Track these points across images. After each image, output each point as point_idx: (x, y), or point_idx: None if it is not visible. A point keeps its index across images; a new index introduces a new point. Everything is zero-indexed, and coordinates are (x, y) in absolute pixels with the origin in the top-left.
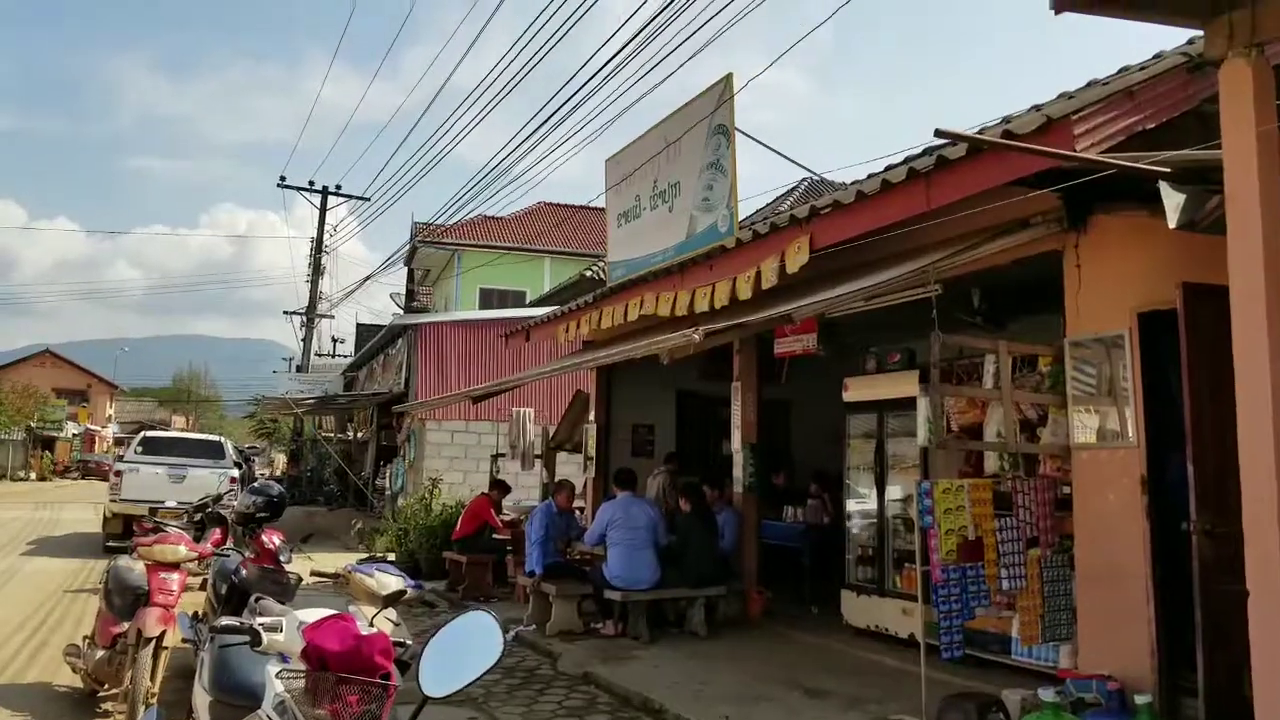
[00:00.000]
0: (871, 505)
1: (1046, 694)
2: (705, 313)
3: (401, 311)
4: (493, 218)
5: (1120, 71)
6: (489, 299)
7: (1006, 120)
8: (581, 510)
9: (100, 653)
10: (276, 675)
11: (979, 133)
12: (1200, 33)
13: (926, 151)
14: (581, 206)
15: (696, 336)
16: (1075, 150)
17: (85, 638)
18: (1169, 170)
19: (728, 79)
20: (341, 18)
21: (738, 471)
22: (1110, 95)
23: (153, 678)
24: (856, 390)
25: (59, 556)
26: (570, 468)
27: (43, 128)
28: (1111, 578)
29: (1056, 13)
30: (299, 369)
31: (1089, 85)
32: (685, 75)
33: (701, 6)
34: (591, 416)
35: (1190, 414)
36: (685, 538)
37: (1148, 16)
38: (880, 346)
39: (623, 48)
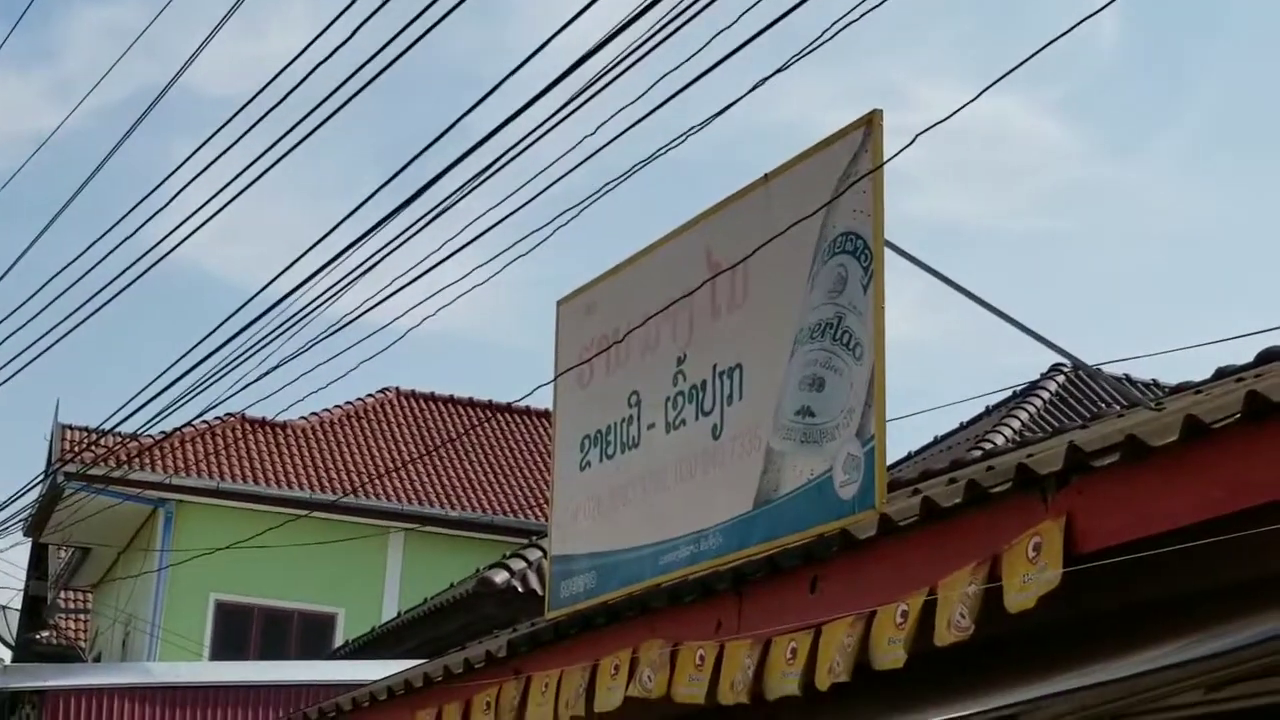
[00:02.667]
0: None
1: None
2: (794, 701)
3: (8, 657)
4: (265, 423)
5: None
6: (240, 629)
7: None
8: None
9: None
10: None
11: None
12: None
13: None
14: (490, 405)
15: None
16: None
17: None
18: None
19: (870, 124)
20: None
21: None
22: None
23: None
24: None
25: None
26: None
27: None
28: None
29: None
30: None
31: None
32: (746, 117)
33: None
34: None
35: None
36: None
37: None
38: None
39: (597, 49)
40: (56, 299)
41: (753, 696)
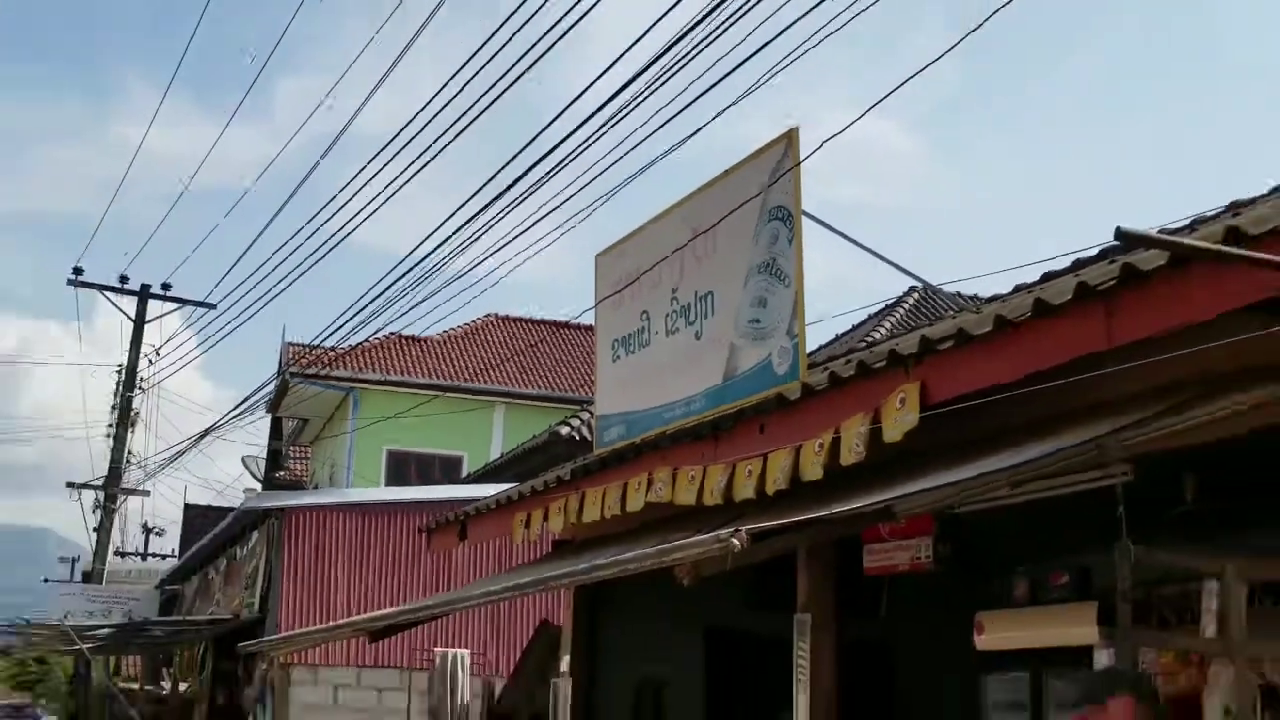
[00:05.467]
0: None
1: None
2: (751, 501)
3: (259, 487)
4: (414, 338)
5: None
6: (403, 468)
7: (1234, 211)
8: None
9: None
10: None
11: (1187, 232)
12: None
13: (1105, 256)
14: (555, 323)
15: (737, 542)
16: None
17: None
18: None
19: (790, 137)
20: (180, 34)
21: None
22: None
23: None
24: (998, 632)
25: None
26: None
27: None
28: None
29: None
30: (87, 576)
31: None
32: (720, 132)
33: (746, 28)
34: (564, 665)
35: None
36: None
37: None
38: (1036, 562)
39: (622, 89)
40: (281, 263)
41: (725, 500)
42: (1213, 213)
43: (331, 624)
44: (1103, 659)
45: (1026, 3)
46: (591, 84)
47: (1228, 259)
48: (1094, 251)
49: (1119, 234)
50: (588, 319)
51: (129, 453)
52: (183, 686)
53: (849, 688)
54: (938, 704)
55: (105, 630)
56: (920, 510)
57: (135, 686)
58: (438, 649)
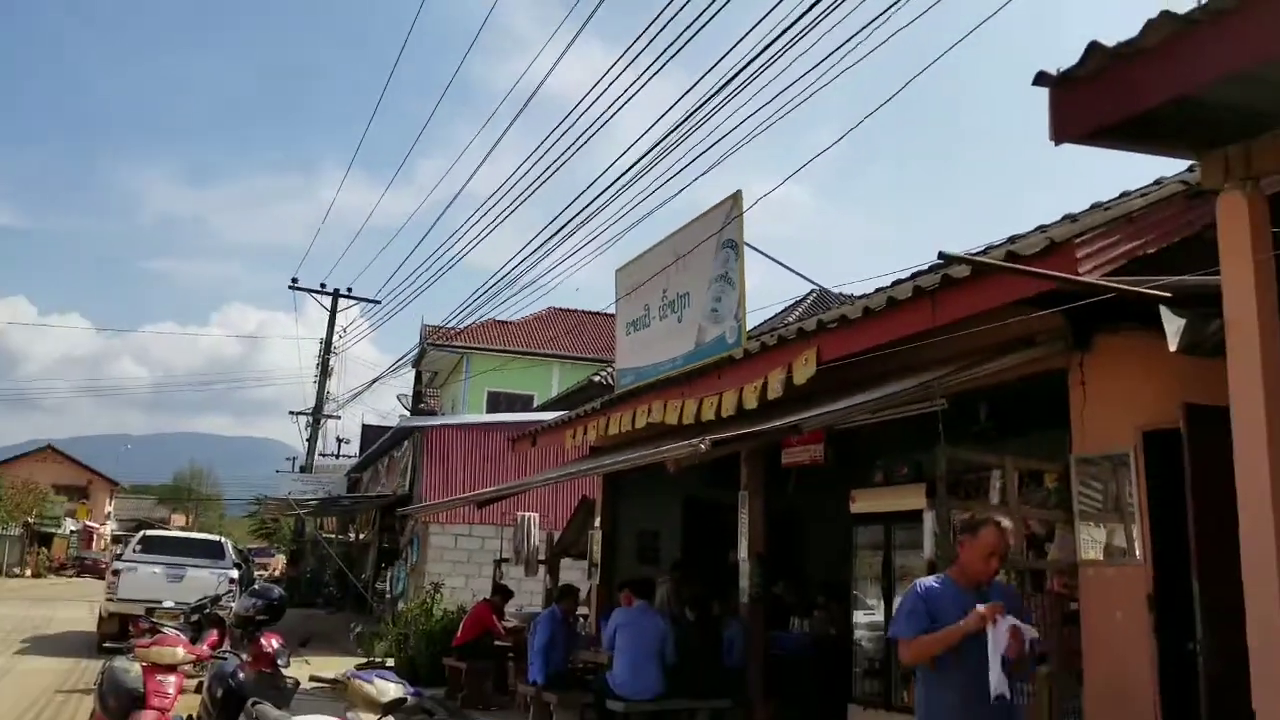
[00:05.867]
0: (879, 618)
1: None
2: (712, 421)
3: (408, 414)
4: (502, 322)
5: (1121, 196)
6: (496, 402)
7: (1012, 241)
8: (585, 618)
9: None
10: None
11: (983, 253)
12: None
13: (933, 269)
14: (592, 312)
15: (703, 446)
16: (1078, 273)
17: None
18: (1170, 295)
19: (736, 196)
20: (357, 129)
21: (744, 582)
22: (1112, 220)
23: None
24: (863, 502)
25: (52, 656)
26: (574, 574)
27: (60, 227)
28: (1119, 697)
29: (1056, 144)
30: (302, 469)
31: (1092, 209)
32: (696, 190)
33: (712, 127)
34: (597, 523)
35: (1195, 533)
36: (689, 649)
37: (1147, 148)
38: (888, 459)
39: (635, 164)
40: (422, 274)
41: (696, 420)
42: (998, 242)
43: (453, 497)
44: (929, 518)
45: (892, 106)
46: (614, 162)
47: (1007, 271)
48: (926, 266)
49: (941, 255)
50: (611, 310)
51: (327, 392)
52: (362, 536)
53: (772, 536)
54: (826, 546)
55: (313, 501)
56: (816, 426)
57: (332, 536)
58: (519, 512)
